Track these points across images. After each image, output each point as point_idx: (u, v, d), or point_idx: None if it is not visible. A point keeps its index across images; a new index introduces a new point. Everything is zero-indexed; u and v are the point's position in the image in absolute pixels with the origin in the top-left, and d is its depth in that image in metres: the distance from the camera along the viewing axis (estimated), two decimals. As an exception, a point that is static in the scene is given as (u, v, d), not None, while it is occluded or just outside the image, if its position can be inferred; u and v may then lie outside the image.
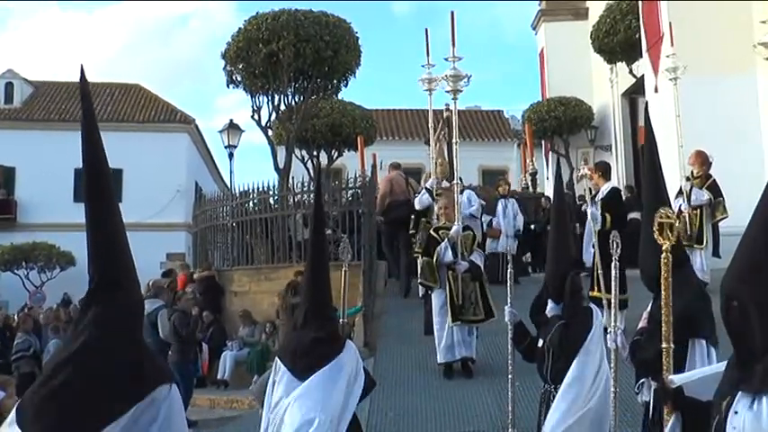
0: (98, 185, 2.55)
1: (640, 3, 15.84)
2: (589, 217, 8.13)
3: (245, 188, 13.66)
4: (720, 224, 9.98)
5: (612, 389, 4.13)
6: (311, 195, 12.76)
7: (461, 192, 9.23)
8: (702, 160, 10.09)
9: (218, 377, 12.08)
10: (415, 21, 66.74)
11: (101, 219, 2.53)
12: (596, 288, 7.72)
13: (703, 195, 9.86)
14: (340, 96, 17.17)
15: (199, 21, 72.24)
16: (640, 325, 4.18)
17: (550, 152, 22.44)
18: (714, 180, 10.02)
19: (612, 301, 4.26)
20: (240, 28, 14.54)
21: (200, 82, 73.96)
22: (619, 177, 18.46)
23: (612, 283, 4.29)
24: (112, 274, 2.51)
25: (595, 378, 4.27)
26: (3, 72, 30.11)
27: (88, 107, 2.63)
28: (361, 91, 70.09)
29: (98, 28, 64.95)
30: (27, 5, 67.97)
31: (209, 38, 74.75)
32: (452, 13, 8.41)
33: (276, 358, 3.87)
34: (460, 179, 8.94)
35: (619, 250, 4.22)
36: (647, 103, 4.86)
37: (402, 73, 68.42)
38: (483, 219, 12.11)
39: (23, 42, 63.63)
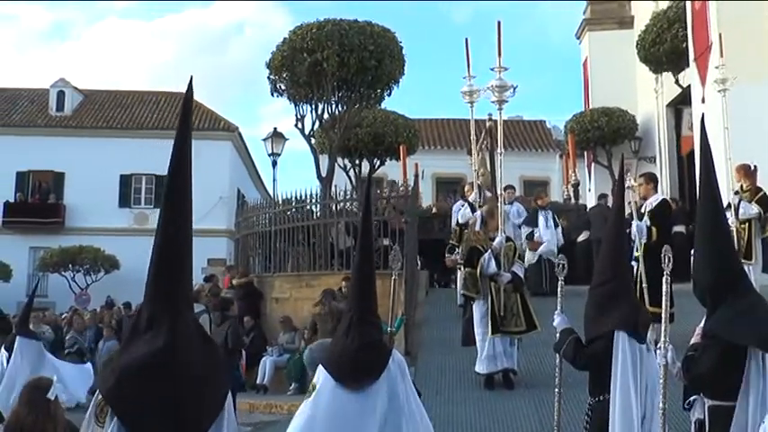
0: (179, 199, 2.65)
1: (689, 11, 15.60)
2: (634, 230, 7.99)
3: (288, 196, 13.79)
4: (770, 239, 9.76)
5: (661, 405, 4.05)
6: (354, 204, 12.85)
7: (511, 203, 9.13)
8: (746, 173, 9.91)
9: (258, 382, 12.18)
10: (472, 28, 66.49)
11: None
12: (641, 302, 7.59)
13: (752, 209, 9.65)
14: (383, 105, 17.25)
15: (253, 28, 73.11)
16: (693, 340, 4.10)
17: (593, 164, 22.18)
18: (764, 193, 9.81)
19: (663, 316, 4.20)
20: (285, 38, 14.73)
21: (249, 90, 74.97)
22: (663, 189, 18.16)
23: (663, 299, 4.23)
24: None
25: (641, 399, 4.22)
26: (55, 81, 30.97)
27: (187, 120, 2.72)
28: (406, 99, 70.21)
29: (155, 36, 66.37)
30: (90, 13, 69.78)
31: (263, 45, 75.73)
32: (499, 22, 8.37)
33: (320, 365, 3.87)
34: (513, 188, 8.81)
35: (671, 265, 4.17)
36: (702, 115, 4.80)
37: (449, 81, 68.43)
38: (523, 230, 12.02)
39: (82, 51, 65.43)
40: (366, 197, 4.45)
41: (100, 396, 2.55)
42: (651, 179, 9.15)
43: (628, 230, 8.05)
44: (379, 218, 12.31)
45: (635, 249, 7.96)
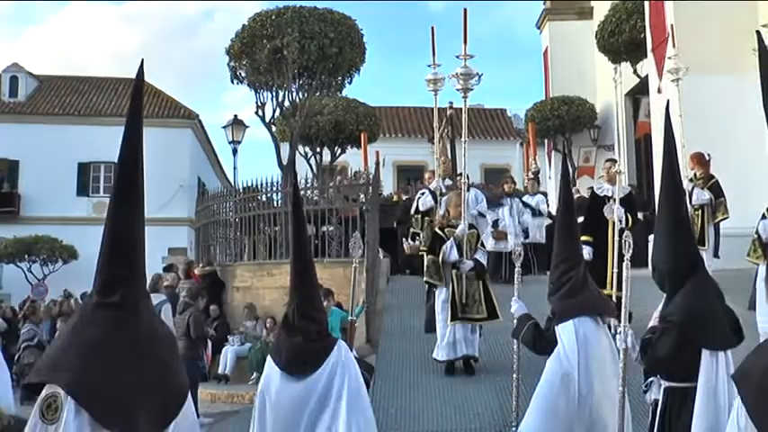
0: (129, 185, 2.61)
1: (646, 2, 15.83)
2: (615, 216, 8.17)
3: (249, 184, 13.68)
4: (721, 225, 10.00)
5: (620, 388, 4.12)
6: (315, 192, 12.80)
7: (467, 190, 9.14)
8: (699, 161, 10.14)
9: (219, 372, 12.12)
10: (448, 18, 66.21)
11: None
12: (609, 286, 7.80)
13: (704, 195, 9.88)
14: (344, 93, 17.20)
15: (224, 14, 71.63)
16: (651, 324, 4.18)
17: (553, 152, 22.44)
18: (716, 181, 10.04)
19: (624, 301, 4.26)
20: (245, 24, 14.56)
21: (214, 77, 73.78)
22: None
23: (624, 284, 4.29)
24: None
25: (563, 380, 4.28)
26: (7, 66, 30.15)
27: (138, 104, 2.67)
28: (367, 87, 69.92)
29: (124, 21, 64.67)
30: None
31: (232, 33, 74.01)
32: (465, 10, 8.29)
33: (269, 356, 3.97)
34: (467, 176, 8.87)
35: (631, 250, 4.24)
36: (667, 101, 4.90)
37: (410, 69, 68.21)
38: (489, 215, 11.98)
39: (46, 36, 63.53)
40: (294, 187, 4.56)
41: (47, 392, 2.33)
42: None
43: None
44: (330, 206, 12.31)
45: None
